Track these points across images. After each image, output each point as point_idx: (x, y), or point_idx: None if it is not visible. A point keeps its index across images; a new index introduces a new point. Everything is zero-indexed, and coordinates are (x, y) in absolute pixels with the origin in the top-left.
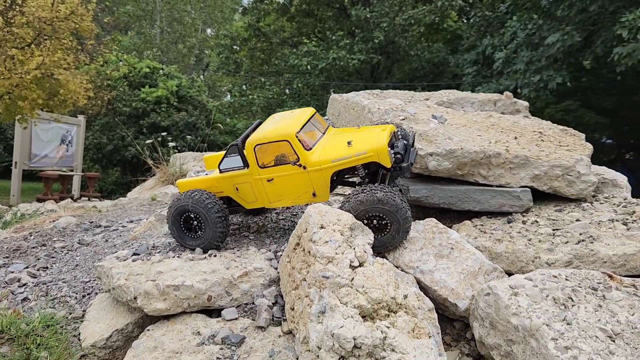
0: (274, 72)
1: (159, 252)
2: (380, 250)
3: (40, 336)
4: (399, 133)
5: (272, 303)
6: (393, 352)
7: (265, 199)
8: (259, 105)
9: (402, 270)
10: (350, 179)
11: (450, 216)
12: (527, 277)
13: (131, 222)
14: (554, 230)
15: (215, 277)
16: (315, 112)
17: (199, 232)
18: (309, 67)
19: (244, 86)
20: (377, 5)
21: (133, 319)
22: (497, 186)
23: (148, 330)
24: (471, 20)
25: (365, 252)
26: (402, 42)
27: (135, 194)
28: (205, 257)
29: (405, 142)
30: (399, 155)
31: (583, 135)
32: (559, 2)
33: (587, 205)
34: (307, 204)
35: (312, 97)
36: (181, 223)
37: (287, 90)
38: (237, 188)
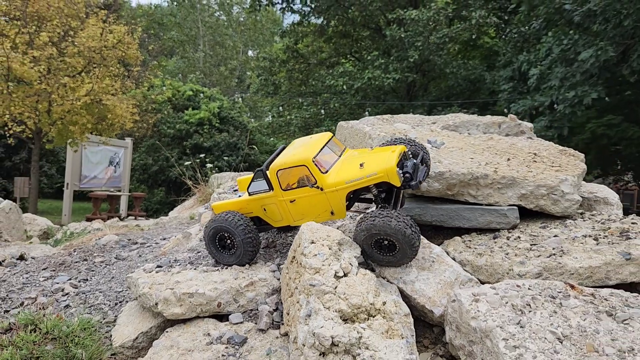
0: (311, 93)
1: (179, 264)
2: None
3: (78, 337)
4: (409, 153)
5: (273, 309)
6: (367, 350)
7: (289, 218)
8: (297, 125)
9: (387, 281)
10: (366, 196)
11: (444, 232)
12: (491, 287)
13: (164, 239)
14: (531, 245)
15: (225, 286)
16: (332, 136)
17: (232, 250)
18: (345, 87)
19: (281, 107)
20: (411, 25)
21: (156, 323)
22: (486, 205)
23: (167, 331)
24: (507, 37)
25: (350, 264)
26: (437, 60)
27: (176, 213)
28: (217, 269)
29: (414, 161)
30: (407, 175)
31: (582, 155)
32: (593, 18)
33: (570, 222)
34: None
35: (350, 116)
36: (216, 242)
37: (322, 110)
38: (264, 209)
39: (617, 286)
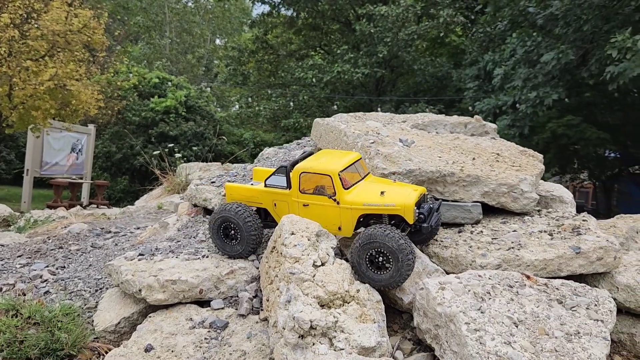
0: (281, 84)
1: (160, 253)
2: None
3: (61, 322)
4: (428, 196)
5: (253, 296)
6: (342, 333)
7: None
8: (265, 116)
9: None
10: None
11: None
12: (455, 276)
13: (138, 228)
14: (492, 239)
15: (206, 274)
16: (360, 158)
17: (234, 241)
18: (314, 80)
19: (250, 98)
20: (381, 21)
21: (138, 309)
22: (452, 201)
23: (150, 317)
24: (474, 36)
25: (327, 254)
26: (405, 56)
27: (143, 202)
28: (198, 258)
29: (432, 205)
30: (422, 216)
31: (541, 156)
32: (555, 21)
33: (528, 218)
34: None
35: (318, 109)
36: (221, 231)
37: (291, 103)
38: (275, 204)
39: (567, 277)
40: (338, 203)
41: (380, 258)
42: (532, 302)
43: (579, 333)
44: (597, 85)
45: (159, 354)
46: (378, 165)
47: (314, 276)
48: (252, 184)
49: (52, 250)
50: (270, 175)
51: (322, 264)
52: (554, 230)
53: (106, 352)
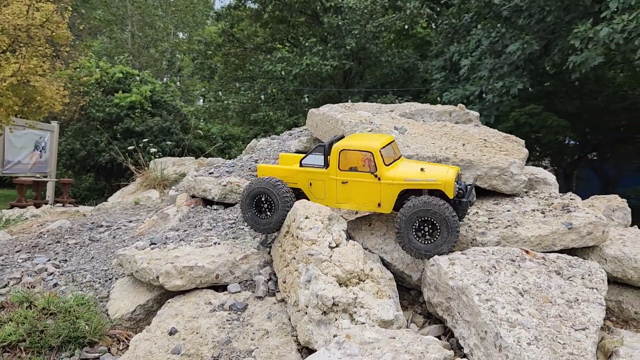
0: (249, 78)
1: (172, 242)
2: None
3: (77, 312)
4: (462, 175)
5: (267, 279)
6: (362, 308)
7: (333, 198)
8: (234, 110)
9: (369, 251)
10: None
11: None
12: (462, 253)
13: (130, 222)
14: (489, 218)
15: (222, 259)
16: (394, 140)
17: (268, 213)
18: (282, 72)
19: (220, 92)
20: (348, 13)
21: (152, 296)
22: None
23: (169, 302)
24: (439, 28)
25: (340, 236)
26: (373, 48)
27: (117, 198)
28: (211, 245)
29: (467, 184)
30: (461, 191)
31: (523, 142)
32: (519, 13)
33: (519, 199)
34: (369, 212)
35: (287, 102)
36: (253, 204)
37: (262, 96)
38: (311, 183)
39: (560, 251)
40: (379, 179)
41: (428, 227)
42: (533, 274)
43: (577, 300)
44: (557, 75)
45: (183, 336)
46: None
47: (330, 257)
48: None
49: (50, 244)
50: (307, 155)
51: (337, 245)
52: (545, 209)
53: (126, 339)
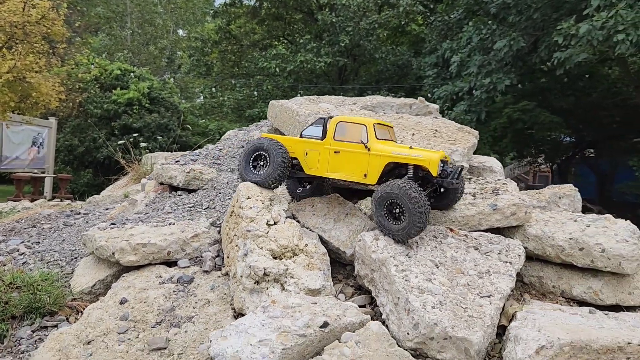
0: (244, 74)
1: (131, 222)
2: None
3: (41, 286)
4: (452, 162)
5: (215, 256)
6: (292, 278)
7: (325, 167)
8: (229, 106)
9: (310, 230)
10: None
11: (359, 193)
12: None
13: (107, 209)
14: None
15: (173, 237)
16: (393, 127)
17: (261, 169)
18: (277, 69)
19: (213, 88)
20: (342, 10)
21: (111, 272)
22: None
23: (123, 276)
24: (432, 25)
25: (279, 215)
26: (367, 45)
27: (108, 192)
28: (166, 225)
29: (452, 168)
30: (444, 171)
31: (476, 132)
32: (508, 10)
33: None
34: (356, 182)
35: (282, 98)
36: (251, 160)
37: (255, 92)
38: (307, 153)
39: (487, 230)
40: (368, 150)
41: (397, 210)
42: (452, 249)
43: (489, 272)
44: (551, 71)
45: (133, 304)
46: None
47: (267, 233)
48: None
49: (25, 229)
50: (307, 127)
51: (275, 223)
52: (477, 193)
53: (84, 309)
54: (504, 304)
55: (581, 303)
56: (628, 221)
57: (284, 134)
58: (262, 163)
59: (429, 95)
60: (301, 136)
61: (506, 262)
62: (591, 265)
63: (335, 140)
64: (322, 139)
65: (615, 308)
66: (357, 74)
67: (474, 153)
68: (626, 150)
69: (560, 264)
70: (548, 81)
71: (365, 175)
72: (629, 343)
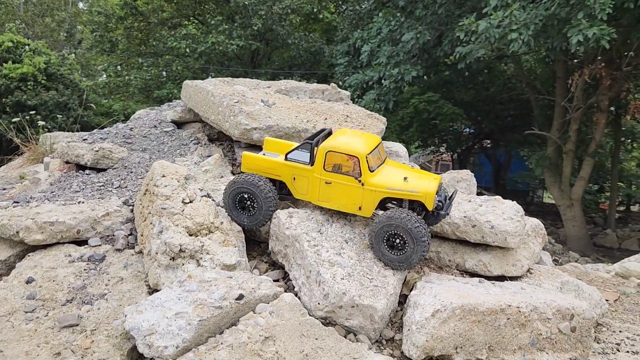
0: (152, 54)
1: (36, 200)
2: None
3: None
4: (443, 184)
5: (128, 234)
6: (207, 254)
7: (315, 195)
8: (136, 86)
9: None
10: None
11: None
12: (302, 208)
13: (4, 189)
14: None
15: (83, 215)
16: (381, 142)
17: (252, 211)
18: (188, 50)
19: (118, 66)
20: None
21: (14, 252)
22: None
23: (29, 255)
24: (344, 13)
25: (195, 193)
26: (280, 30)
27: (2, 172)
28: (75, 204)
29: (447, 194)
30: (440, 203)
31: (384, 119)
32: (415, 4)
33: None
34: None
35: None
36: (236, 202)
37: (164, 72)
38: (294, 178)
39: None
40: (362, 184)
41: (397, 240)
42: (360, 226)
43: (352, 239)
44: (454, 65)
45: (40, 283)
46: (241, 122)
47: (183, 211)
48: (263, 154)
49: None
50: (293, 150)
51: (191, 201)
52: None
53: None
54: (406, 276)
55: (473, 274)
56: (514, 202)
57: (198, 115)
58: (249, 203)
59: (340, 83)
60: (286, 158)
61: None
62: (482, 241)
63: (325, 171)
64: (310, 165)
65: (501, 278)
66: (269, 59)
67: (383, 140)
68: (519, 142)
69: (455, 240)
70: (451, 74)
71: (360, 208)
72: (509, 306)
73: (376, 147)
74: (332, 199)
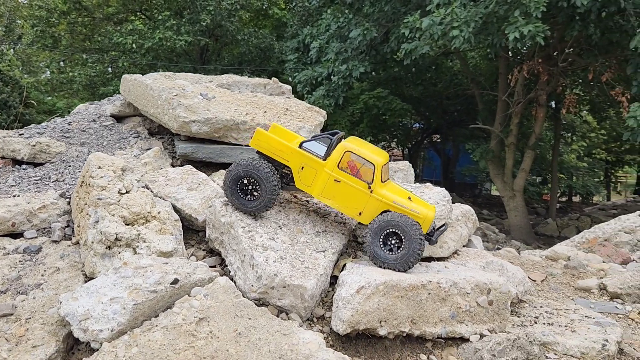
0: (97, 49)
1: None
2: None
3: None
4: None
5: (65, 226)
6: (144, 242)
7: (319, 190)
8: (81, 83)
9: (163, 199)
10: None
11: (212, 167)
12: None
13: None
14: None
15: (18, 208)
16: (389, 160)
17: (255, 194)
18: (134, 46)
19: (62, 62)
20: None
21: None
22: (245, 145)
23: None
24: (294, 10)
25: (132, 184)
26: (229, 26)
27: None
28: (9, 196)
29: (435, 226)
30: (433, 230)
31: (324, 112)
32: (363, 1)
33: None
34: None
35: None
36: (237, 187)
37: (110, 69)
38: (302, 167)
39: None
40: (371, 191)
41: (393, 240)
42: (292, 212)
43: (325, 232)
44: (402, 61)
45: None
46: (180, 115)
47: (119, 201)
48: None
49: None
50: (310, 139)
51: (127, 192)
52: None
53: None
54: (338, 258)
55: None
56: (443, 188)
57: (138, 109)
58: (250, 188)
59: (289, 79)
60: (300, 146)
61: (340, 222)
62: None
63: (338, 169)
64: (323, 159)
65: (429, 260)
66: (219, 55)
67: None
68: (466, 136)
69: None
70: (400, 71)
71: (360, 214)
72: (430, 282)
73: (386, 163)
74: (335, 198)
